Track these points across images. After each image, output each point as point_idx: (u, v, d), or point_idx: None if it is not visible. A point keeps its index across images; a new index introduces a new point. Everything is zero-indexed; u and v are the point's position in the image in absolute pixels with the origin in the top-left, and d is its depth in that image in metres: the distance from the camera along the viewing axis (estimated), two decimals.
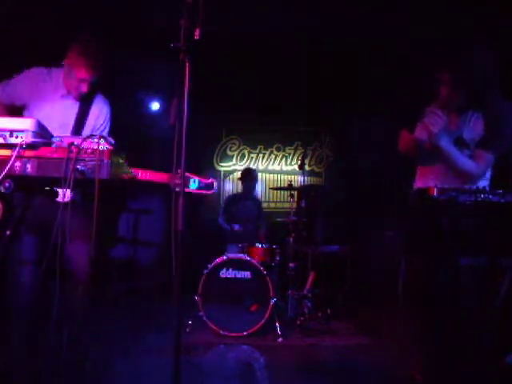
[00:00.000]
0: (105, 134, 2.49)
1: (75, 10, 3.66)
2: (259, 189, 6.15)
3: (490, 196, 2.06)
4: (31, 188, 1.84)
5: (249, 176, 4.80)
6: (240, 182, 4.98)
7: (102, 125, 2.50)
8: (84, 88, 2.34)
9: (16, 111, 2.38)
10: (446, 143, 2.29)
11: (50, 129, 2.09)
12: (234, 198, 4.91)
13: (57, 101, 2.39)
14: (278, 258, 3.99)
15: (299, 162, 6.21)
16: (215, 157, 6.48)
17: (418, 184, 2.51)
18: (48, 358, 2.28)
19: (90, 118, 2.46)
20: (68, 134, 2.33)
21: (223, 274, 3.54)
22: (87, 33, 2.34)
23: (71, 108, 2.41)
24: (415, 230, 2.32)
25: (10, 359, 2.17)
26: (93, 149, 1.70)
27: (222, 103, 5.69)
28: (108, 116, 2.54)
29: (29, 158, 1.69)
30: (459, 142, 2.32)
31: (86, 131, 2.44)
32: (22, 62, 2.46)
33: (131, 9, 4.09)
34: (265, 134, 6.52)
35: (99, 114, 2.48)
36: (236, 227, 4.55)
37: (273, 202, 6.43)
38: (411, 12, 4.00)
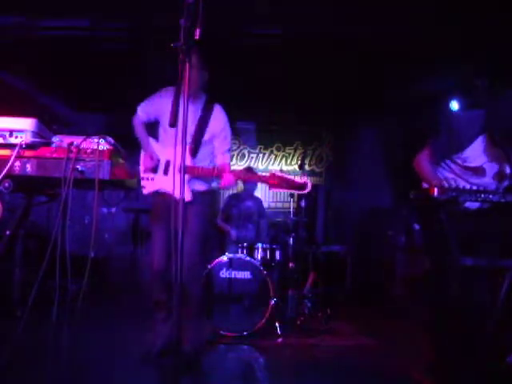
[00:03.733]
0: (226, 141, 2.80)
1: None
2: (260, 189, 6.14)
3: (491, 196, 2.05)
4: (31, 188, 1.84)
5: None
6: (241, 182, 4.96)
7: (222, 131, 2.77)
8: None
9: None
10: None
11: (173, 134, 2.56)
12: (235, 197, 4.89)
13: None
14: (278, 258, 3.98)
15: (299, 161, 6.22)
16: None
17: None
18: (48, 357, 2.28)
19: (210, 125, 2.72)
20: (189, 138, 2.64)
21: (223, 274, 3.53)
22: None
23: (193, 114, 2.64)
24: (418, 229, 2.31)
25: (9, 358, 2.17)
26: (93, 149, 1.70)
27: (222, 103, 5.68)
28: (227, 125, 2.82)
29: (28, 157, 1.68)
30: None
31: (206, 137, 2.71)
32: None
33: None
34: (265, 134, 6.52)
35: (219, 122, 2.75)
36: (233, 233, 4.49)
37: (273, 202, 6.42)
38: (411, 13, 4.00)
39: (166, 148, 2.69)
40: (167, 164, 2.66)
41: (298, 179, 2.33)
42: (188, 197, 2.56)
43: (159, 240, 2.70)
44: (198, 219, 2.67)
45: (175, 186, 2.53)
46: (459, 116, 2.56)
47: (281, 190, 2.41)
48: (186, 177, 2.57)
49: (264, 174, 2.47)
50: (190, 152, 2.64)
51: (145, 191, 2.68)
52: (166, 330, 2.67)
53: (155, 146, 2.73)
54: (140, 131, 2.79)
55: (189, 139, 2.61)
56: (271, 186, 2.37)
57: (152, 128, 2.88)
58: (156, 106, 2.76)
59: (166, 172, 2.65)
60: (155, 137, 2.82)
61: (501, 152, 2.31)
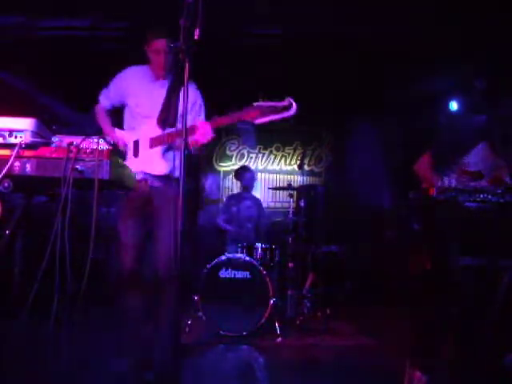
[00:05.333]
0: (201, 115, 2.63)
1: None
2: (259, 189, 6.14)
3: (490, 196, 2.05)
4: (30, 188, 1.84)
5: (244, 172, 4.76)
6: (239, 182, 4.95)
7: (194, 105, 2.55)
8: (162, 59, 2.49)
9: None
10: None
11: (142, 111, 2.49)
12: (234, 197, 4.89)
13: (146, 85, 2.55)
14: (277, 258, 3.98)
15: (298, 161, 6.22)
16: (214, 157, 6.47)
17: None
18: (48, 357, 2.28)
19: (180, 98, 2.36)
20: (157, 113, 2.43)
21: (223, 273, 3.53)
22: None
23: (160, 89, 2.50)
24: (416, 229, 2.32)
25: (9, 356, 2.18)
26: (92, 149, 1.70)
27: (221, 103, 5.67)
28: (199, 97, 2.64)
29: (28, 157, 1.68)
30: None
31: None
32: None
33: None
34: (264, 134, 6.51)
35: (191, 96, 2.30)
36: (233, 233, 4.48)
37: (272, 201, 6.42)
38: (411, 13, 4.00)
39: (133, 131, 2.48)
40: (136, 144, 2.42)
41: (279, 102, 2.02)
42: (164, 170, 2.37)
43: (132, 235, 2.42)
44: (173, 208, 2.14)
45: (150, 160, 2.36)
46: (460, 122, 2.57)
47: (266, 119, 2.08)
48: (159, 149, 2.38)
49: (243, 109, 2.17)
50: (159, 124, 2.41)
51: None
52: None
53: (121, 133, 2.50)
54: (103, 119, 2.59)
55: (157, 114, 2.43)
56: (254, 118, 2.12)
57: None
58: (119, 89, 2.60)
59: (136, 153, 2.42)
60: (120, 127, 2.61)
61: (501, 160, 2.32)
